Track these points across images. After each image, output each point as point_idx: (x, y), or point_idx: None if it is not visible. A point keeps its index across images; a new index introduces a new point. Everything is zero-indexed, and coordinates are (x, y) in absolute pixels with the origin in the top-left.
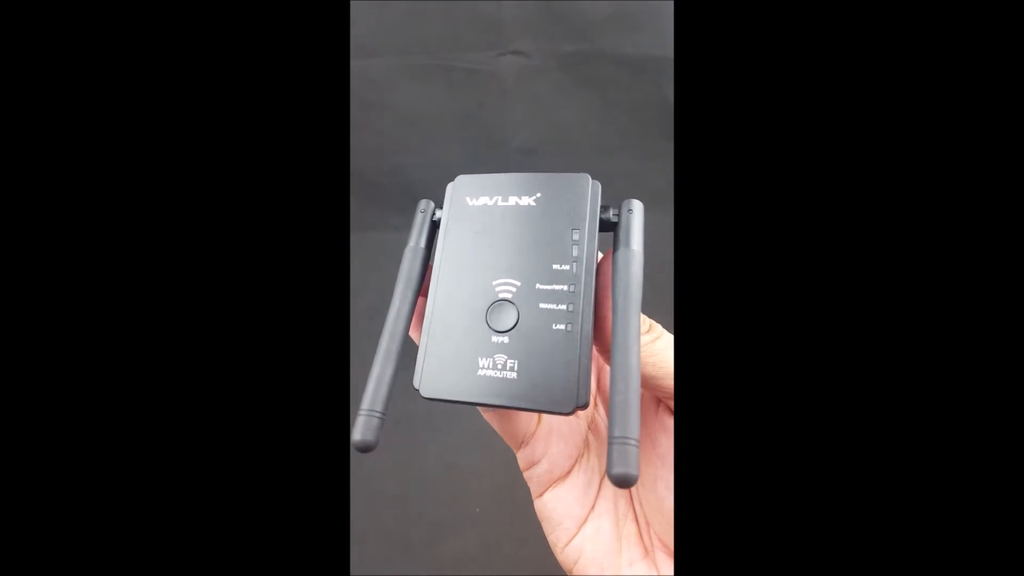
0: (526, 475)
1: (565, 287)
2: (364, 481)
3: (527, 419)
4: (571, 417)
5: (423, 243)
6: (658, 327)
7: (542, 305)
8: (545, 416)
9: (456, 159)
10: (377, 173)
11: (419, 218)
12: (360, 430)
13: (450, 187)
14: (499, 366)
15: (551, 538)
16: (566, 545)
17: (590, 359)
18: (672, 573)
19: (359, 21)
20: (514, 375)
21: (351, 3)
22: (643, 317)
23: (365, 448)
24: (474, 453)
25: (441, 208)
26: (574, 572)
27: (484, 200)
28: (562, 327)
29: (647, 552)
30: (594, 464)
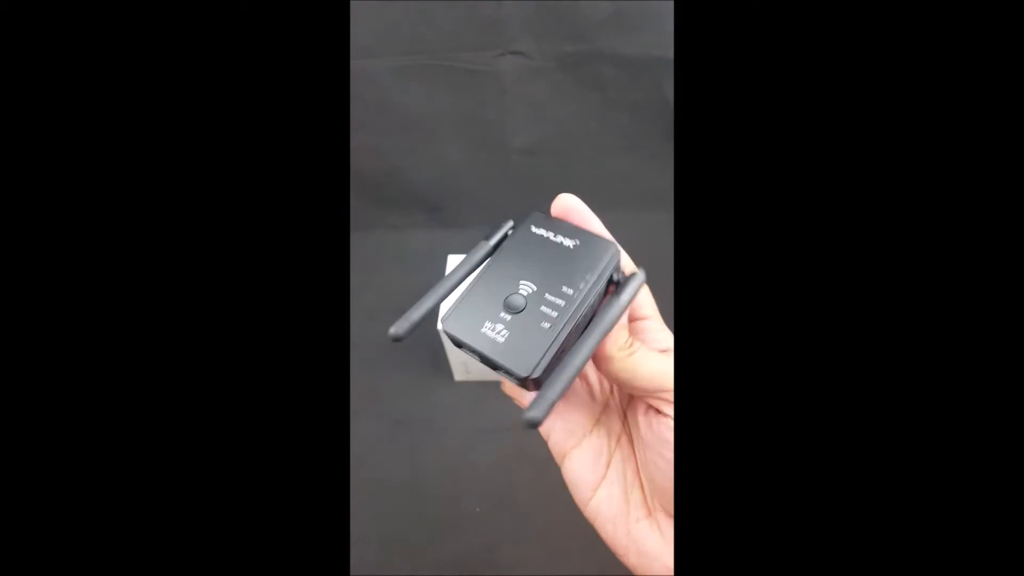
0: (549, 443)
1: (562, 303)
2: (364, 481)
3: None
4: (586, 395)
5: (492, 243)
6: (637, 344)
7: (542, 308)
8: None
9: (456, 159)
10: (377, 173)
11: (500, 228)
12: (395, 325)
13: (528, 218)
14: (496, 331)
15: (576, 498)
16: (586, 505)
17: (554, 354)
18: (669, 528)
19: (359, 21)
20: (502, 340)
21: (351, 3)
22: (626, 335)
23: (396, 338)
24: (474, 453)
25: (514, 228)
26: (596, 526)
27: (542, 232)
28: (546, 326)
29: (650, 512)
30: (603, 439)
